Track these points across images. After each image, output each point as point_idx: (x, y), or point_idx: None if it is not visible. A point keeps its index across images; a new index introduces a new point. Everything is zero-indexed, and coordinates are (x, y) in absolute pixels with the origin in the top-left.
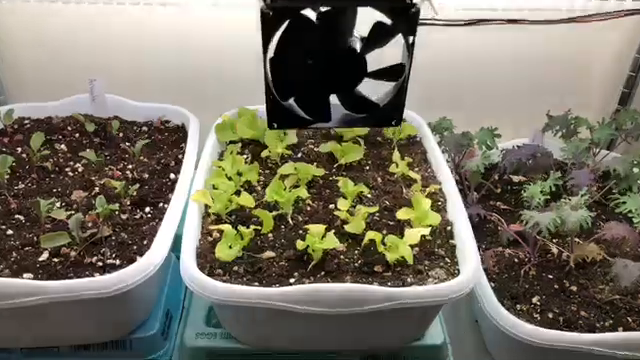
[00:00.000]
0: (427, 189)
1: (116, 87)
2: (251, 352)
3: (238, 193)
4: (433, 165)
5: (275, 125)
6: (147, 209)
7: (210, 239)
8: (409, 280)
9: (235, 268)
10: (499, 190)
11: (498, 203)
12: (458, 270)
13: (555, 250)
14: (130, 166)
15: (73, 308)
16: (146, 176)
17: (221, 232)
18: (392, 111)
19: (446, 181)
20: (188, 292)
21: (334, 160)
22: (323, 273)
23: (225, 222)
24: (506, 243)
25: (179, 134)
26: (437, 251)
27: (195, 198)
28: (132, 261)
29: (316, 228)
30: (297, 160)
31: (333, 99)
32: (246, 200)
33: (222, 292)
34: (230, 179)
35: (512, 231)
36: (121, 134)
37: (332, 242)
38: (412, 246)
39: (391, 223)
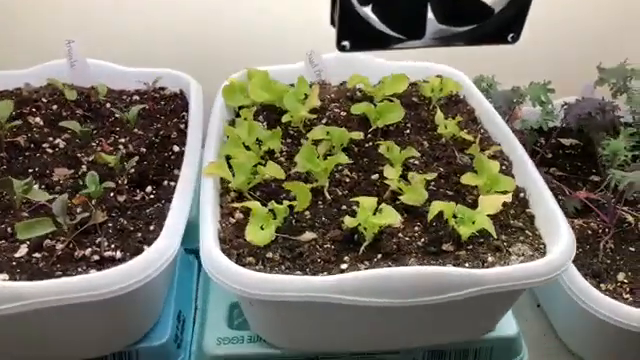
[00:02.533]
0: (486, 152)
1: (99, 51)
2: (288, 357)
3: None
4: (485, 124)
5: (347, 45)
6: (149, 188)
7: (233, 220)
8: (490, 259)
9: (269, 254)
10: (550, 155)
11: (552, 169)
12: (544, 244)
13: (631, 218)
14: (123, 139)
15: (64, 315)
16: (144, 150)
17: (245, 211)
18: (511, 20)
19: (508, 141)
20: (200, 289)
21: (367, 124)
22: (380, 256)
23: (248, 199)
24: (573, 213)
25: (178, 101)
26: (513, 223)
27: (209, 171)
28: (138, 252)
29: (367, 201)
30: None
31: None
32: (275, 171)
33: (261, 284)
34: (248, 149)
35: (581, 198)
36: (109, 104)
37: (391, 216)
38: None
39: (450, 192)
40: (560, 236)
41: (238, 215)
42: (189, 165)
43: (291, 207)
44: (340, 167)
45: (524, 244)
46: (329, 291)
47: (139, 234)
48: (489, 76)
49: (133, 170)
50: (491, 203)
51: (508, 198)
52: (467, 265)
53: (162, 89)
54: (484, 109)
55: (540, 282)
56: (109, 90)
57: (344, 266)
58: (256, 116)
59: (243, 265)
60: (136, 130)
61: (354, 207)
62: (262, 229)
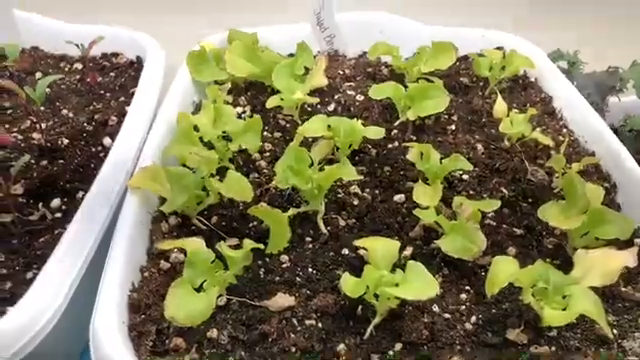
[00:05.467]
0: (573, 164)
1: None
2: None
3: (223, 173)
4: (570, 121)
5: None
6: (55, 202)
7: (162, 267)
8: None
9: (212, 333)
10: None
11: None
12: None
13: None
14: (41, 126)
15: None
16: (64, 142)
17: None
18: None
19: (608, 149)
20: None
21: (393, 116)
22: (399, 347)
23: (195, 232)
24: None
25: (131, 73)
26: (626, 292)
27: (135, 183)
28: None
29: (382, 247)
30: (330, 115)
31: None
32: (236, 186)
33: None
34: (210, 147)
35: None
36: (38, 73)
37: (422, 283)
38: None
39: (517, 231)
40: None
41: (175, 257)
42: (113, 169)
43: (261, 248)
44: (349, 180)
45: None
46: None
47: (9, 284)
48: (569, 52)
49: (35, 174)
50: (602, 266)
51: (632, 258)
52: None
53: (115, 55)
54: (569, 98)
55: None
56: (45, 55)
57: None
58: (236, 97)
59: (164, 353)
60: (65, 112)
61: (363, 251)
62: (200, 290)
